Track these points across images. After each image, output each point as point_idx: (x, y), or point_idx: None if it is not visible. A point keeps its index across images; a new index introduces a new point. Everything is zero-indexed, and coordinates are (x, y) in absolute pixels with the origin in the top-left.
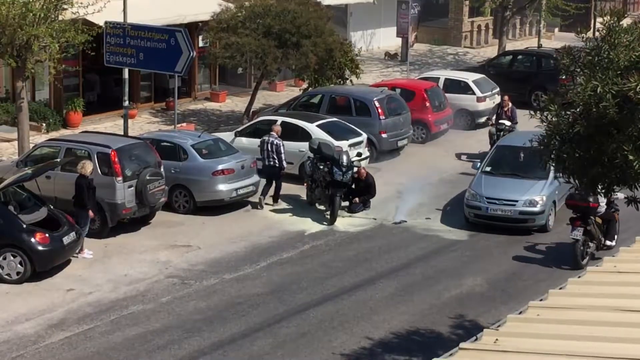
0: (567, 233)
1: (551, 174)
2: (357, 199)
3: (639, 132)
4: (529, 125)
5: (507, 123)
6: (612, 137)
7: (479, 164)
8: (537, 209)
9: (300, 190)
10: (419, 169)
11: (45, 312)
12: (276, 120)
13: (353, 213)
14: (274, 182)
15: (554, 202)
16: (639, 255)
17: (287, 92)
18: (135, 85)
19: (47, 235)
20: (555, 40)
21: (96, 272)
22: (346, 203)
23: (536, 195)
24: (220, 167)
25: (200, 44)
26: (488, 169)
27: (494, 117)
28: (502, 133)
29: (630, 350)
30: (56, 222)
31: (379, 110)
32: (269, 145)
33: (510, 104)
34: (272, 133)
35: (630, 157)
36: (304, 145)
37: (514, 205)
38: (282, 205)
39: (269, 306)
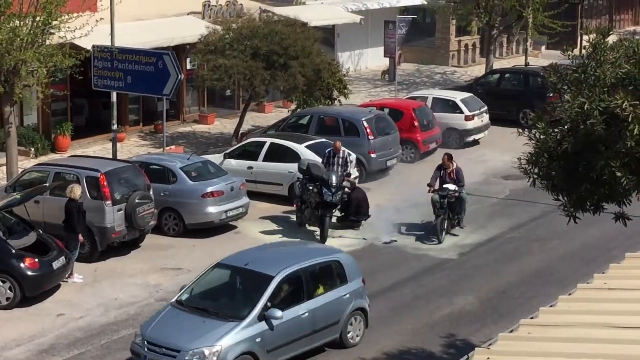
0: (557, 253)
1: (254, 312)
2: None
3: (626, 149)
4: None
5: (452, 187)
6: (600, 153)
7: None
8: None
9: (290, 211)
10: (408, 188)
11: (35, 338)
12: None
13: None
14: None
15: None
16: (629, 272)
17: (275, 113)
18: (123, 108)
19: (36, 260)
20: (542, 58)
21: (86, 296)
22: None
23: (208, 344)
24: (209, 189)
25: (188, 66)
26: (184, 297)
27: (437, 181)
28: (445, 200)
29: None
30: (45, 247)
31: (368, 130)
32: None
33: (454, 165)
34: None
35: (618, 174)
36: (293, 167)
37: (174, 357)
38: (272, 226)
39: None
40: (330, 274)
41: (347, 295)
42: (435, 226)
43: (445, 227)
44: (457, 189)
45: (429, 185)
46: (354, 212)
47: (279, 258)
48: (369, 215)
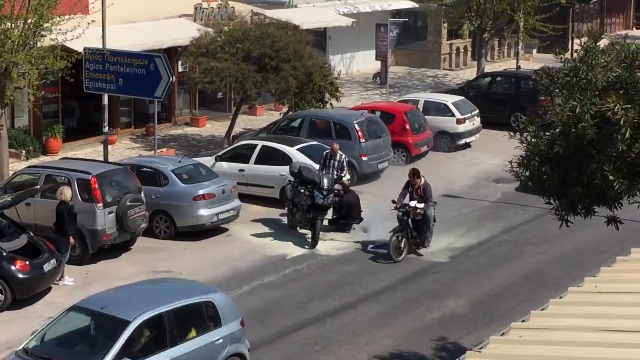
0: (548, 257)
1: None
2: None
3: (618, 152)
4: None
5: (414, 204)
6: (591, 157)
7: None
8: None
9: (282, 214)
10: (400, 191)
11: (25, 341)
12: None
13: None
14: None
15: None
16: (620, 275)
17: (267, 116)
18: (115, 111)
19: (27, 262)
20: (534, 61)
21: (77, 299)
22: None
23: None
24: (201, 192)
25: (180, 69)
26: (31, 345)
27: (404, 198)
28: (407, 218)
29: None
30: (36, 250)
31: (359, 134)
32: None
33: (422, 181)
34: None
35: (611, 177)
36: (284, 169)
37: None
38: (264, 229)
39: (252, 330)
40: (200, 317)
41: (221, 340)
42: (388, 244)
43: (403, 245)
44: (421, 206)
45: (394, 202)
46: (345, 215)
47: (141, 299)
48: (362, 219)
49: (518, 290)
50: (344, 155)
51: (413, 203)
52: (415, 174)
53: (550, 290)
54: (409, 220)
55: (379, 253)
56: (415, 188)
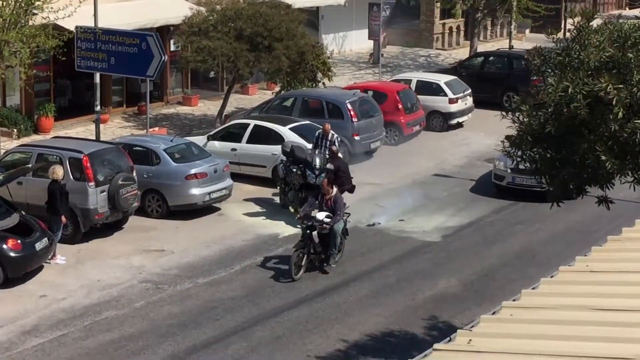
0: (540, 236)
1: None
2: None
3: (609, 132)
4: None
5: (321, 217)
6: (583, 137)
7: None
8: None
9: (274, 194)
10: (392, 171)
11: (17, 319)
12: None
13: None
14: None
15: None
16: (611, 255)
17: (259, 95)
18: (107, 89)
19: (19, 241)
20: (527, 41)
21: (69, 277)
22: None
23: None
24: (193, 171)
25: (172, 48)
26: None
27: (311, 208)
28: (309, 231)
29: (604, 349)
30: (28, 228)
31: (352, 113)
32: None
33: (334, 191)
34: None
35: (603, 157)
36: (276, 149)
37: None
38: (256, 208)
39: (243, 310)
40: None
41: None
42: (290, 259)
43: (304, 262)
44: (328, 220)
45: (297, 210)
46: (333, 180)
47: None
48: (353, 186)
49: (509, 269)
50: (335, 135)
51: (321, 215)
52: (329, 182)
53: (541, 269)
54: (313, 234)
55: (281, 270)
56: (326, 199)
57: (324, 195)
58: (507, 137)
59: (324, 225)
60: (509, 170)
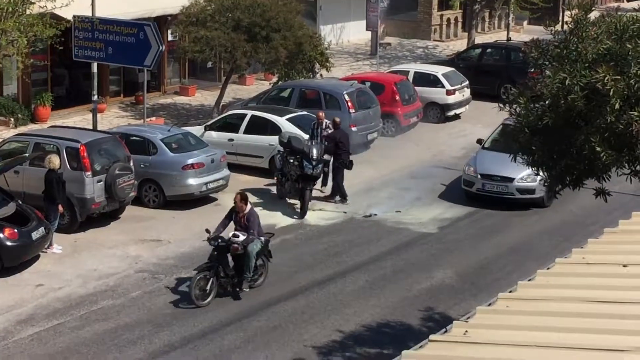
0: (536, 228)
1: None
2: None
3: (606, 124)
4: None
5: (235, 239)
6: (580, 129)
7: None
8: None
9: (271, 184)
10: (389, 162)
11: (14, 308)
12: None
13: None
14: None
15: None
16: (607, 247)
17: (256, 85)
18: (104, 79)
19: (15, 230)
20: (524, 33)
21: (65, 267)
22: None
23: None
24: (190, 161)
25: (170, 37)
26: None
27: (224, 228)
28: (216, 253)
29: (599, 341)
30: (25, 218)
31: (349, 104)
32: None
33: (248, 207)
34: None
35: (598, 149)
36: (273, 139)
37: None
38: (253, 199)
39: (240, 300)
40: None
41: None
42: (190, 283)
43: (210, 287)
44: (240, 239)
45: (207, 231)
46: (333, 151)
47: None
48: (351, 162)
49: (505, 261)
50: (327, 121)
51: (241, 237)
52: (243, 198)
53: (537, 261)
54: (225, 255)
55: (185, 293)
56: (240, 216)
57: (238, 213)
58: (478, 141)
59: (235, 246)
60: (478, 176)
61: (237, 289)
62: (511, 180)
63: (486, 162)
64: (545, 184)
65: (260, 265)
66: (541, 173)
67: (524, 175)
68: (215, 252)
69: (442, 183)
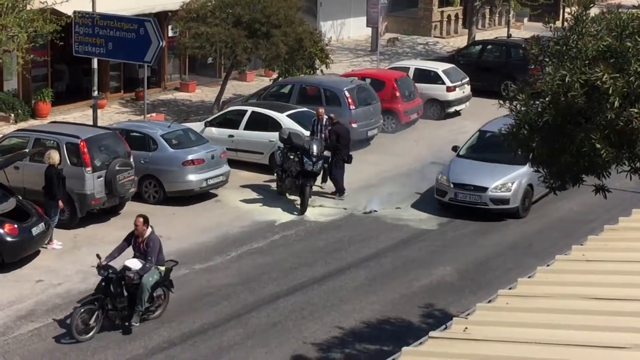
0: (536, 226)
1: None
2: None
3: (606, 121)
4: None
5: (135, 266)
6: (580, 126)
7: None
8: None
9: (271, 180)
10: (389, 158)
11: (14, 304)
12: None
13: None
14: None
15: None
16: (607, 244)
17: (257, 82)
18: (104, 75)
19: (15, 226)
20: (525, 30)
21: (65, 263)
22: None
23: None
24: (190, 157)
25: (170, 33)
26: None
27: (120, 253)
28: (105, 284)
29: (599, 338)
30: (25, 213)
31: (349, 100)
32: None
33: (149, 231)
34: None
35: (598, 146)
36: (274, 135)
37: None
38: (253, 195)
39: (239, 296)
40: None
41: None
42: (72, 316)
43: (94, 321)
44: (137, 267)
45: (98, 257)
46: (334, 146)
47: None
48: (350, 157)
49: (505, 258)
50: (326, 117)
51: (130, 263)
52: (145, 221)
53: (537, 259)
54: (112, 286)
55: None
56: (139, 241)
57: (137, 237)
58: (454, 148)
59: (130, 275)
60: (451, 186)
61: (127, 323)
62: (484, 189)
63: (460, 170)
64: (545, 181)
65: (159, 296)
66: (541, 170)
67: (498, 185)
68: (104, 284)
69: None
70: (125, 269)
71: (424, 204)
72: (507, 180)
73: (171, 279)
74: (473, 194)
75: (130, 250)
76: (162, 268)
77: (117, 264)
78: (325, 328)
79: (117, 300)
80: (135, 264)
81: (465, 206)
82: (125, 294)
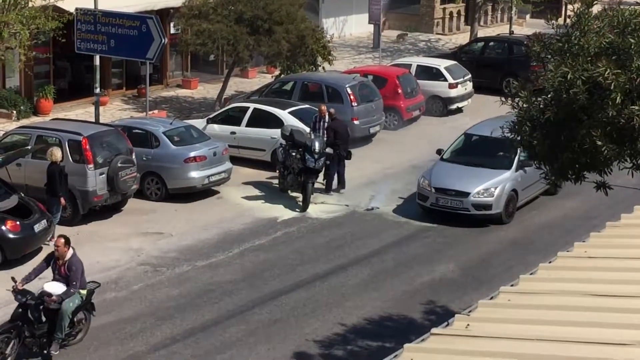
0: (538, 222)
1: None
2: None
3: (608, 118)
4: None
5: (55, 290)
6: (582, 123)
7: None
8: None
9: (273, 177)
10: (391, 155)
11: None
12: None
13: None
14: None
15: None
16: (609, 241)
17: (259, 78)
18: (106, 72)
19: (18, 223)
20: (527, 27)
21: None
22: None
23: None
24: (192, 154)
25: (172, 30)
26: None
27: (37, 275)
28: (22, 310)
29: (601, 335)
30: (27, 210)
31: (351, 97)
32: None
33: (69, 253)
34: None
35: (599, 143)
36: (276, 132)
37: None
38: (255, 192)
39: (242, 293)
40: None
41: None
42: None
43: (11, 349)
44: (58, 291)
45: (13, 279)
46: (332, 142)
47: None
48: (349, 152)
49: (507, 255)
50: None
51: (49, 287)
52: (67, 242)
53: (539, 255)
54: (30, 312)
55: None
56: (59, 264)
57: (57, 259)
58: (438, 151)
59: (53, 298)
60: (432, 190)
61: (45, 351)
62: (466, 195)
63: (442, 175)
64: (547, 177)
65: (80, 320)
66: (543, 167)
67: (480, 190)
68: (20, 310)
69: None
70: (44, 294)
71: None
72: (490, 185)
73: (93, 301)
74: (454, 199)
75: (49, 272)
76: (84, 292)
77: (34, 287)
78: (328, 325)
79: (35, 327)
80: (55, 288)
81: (446, 212)
82: (44, 319)
